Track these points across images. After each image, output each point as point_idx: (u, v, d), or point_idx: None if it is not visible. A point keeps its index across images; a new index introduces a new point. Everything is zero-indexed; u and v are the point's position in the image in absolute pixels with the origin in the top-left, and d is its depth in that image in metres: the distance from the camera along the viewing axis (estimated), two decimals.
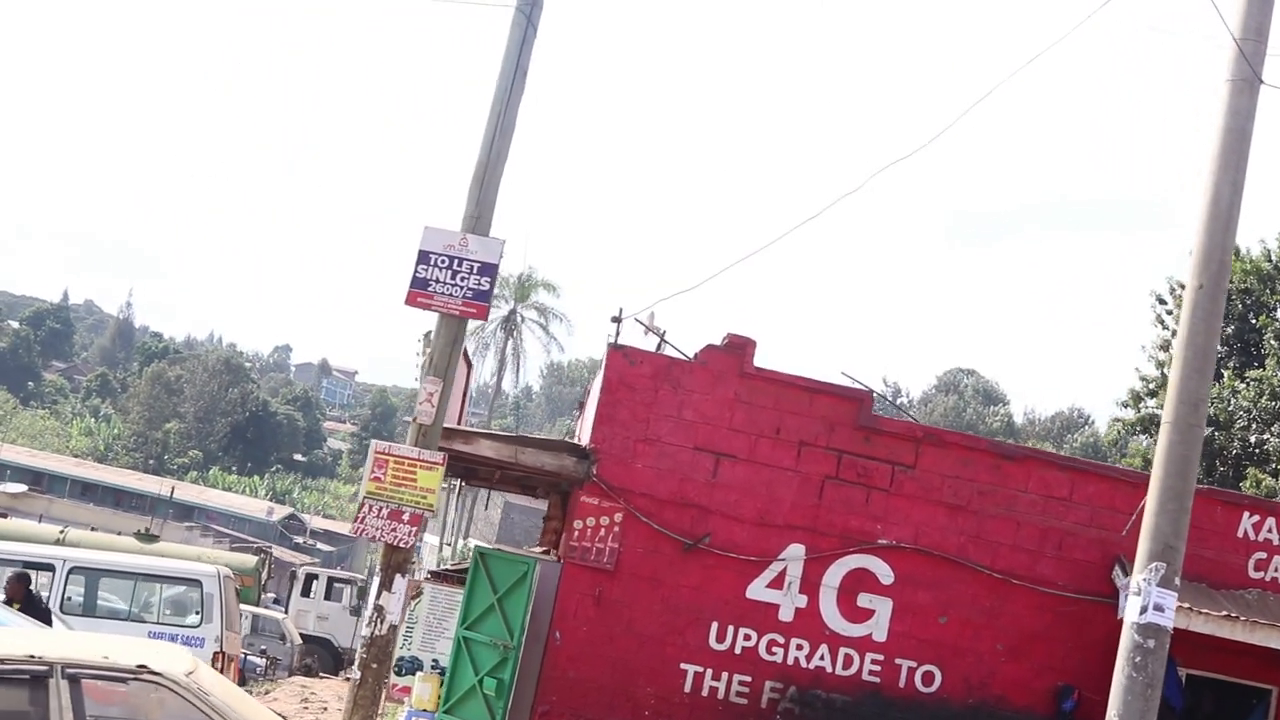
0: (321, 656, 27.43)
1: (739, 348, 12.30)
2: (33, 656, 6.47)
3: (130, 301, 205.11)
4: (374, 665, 8.46)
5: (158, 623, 15.48)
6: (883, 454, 12.27)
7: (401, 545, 8.52)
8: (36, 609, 11.87)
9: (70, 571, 14.96)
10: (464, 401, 14.38)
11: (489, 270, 8.58)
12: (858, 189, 11.57)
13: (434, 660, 14.75)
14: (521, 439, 11.97)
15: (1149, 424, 27.31)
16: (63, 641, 7.18)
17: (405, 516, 8.49)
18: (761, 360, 12.35)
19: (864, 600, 12.15)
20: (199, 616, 15.17)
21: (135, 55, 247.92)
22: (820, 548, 12.13)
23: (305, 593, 28.55)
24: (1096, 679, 12.05)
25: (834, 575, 12.14)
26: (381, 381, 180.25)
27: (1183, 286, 27.33)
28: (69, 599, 15.03)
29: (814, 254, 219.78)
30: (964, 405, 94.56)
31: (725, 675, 12.04)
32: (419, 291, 8.67)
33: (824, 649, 12.10)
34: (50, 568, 15.09)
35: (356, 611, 29.16)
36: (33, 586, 13.18)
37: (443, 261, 8.62)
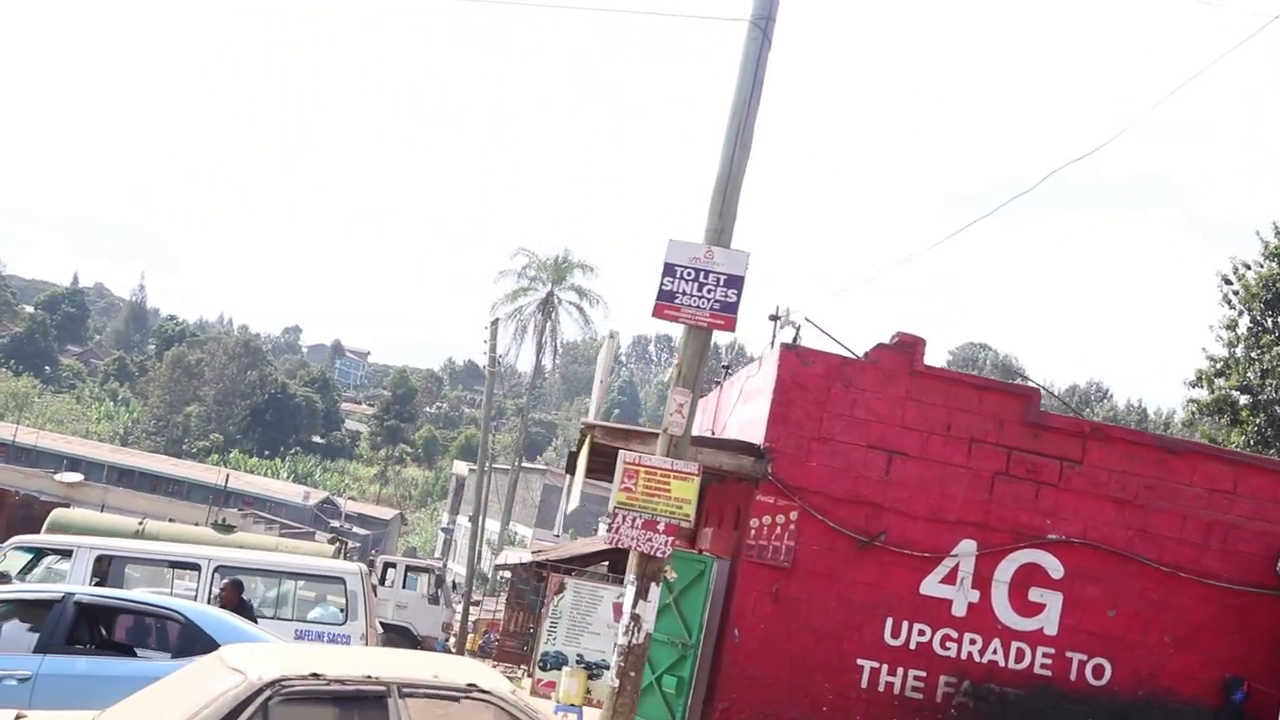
0: (401, 645, 27.57)
1: (909, 346, 12.42)
2: (370, 677, 6.60)
3: (143, 285, 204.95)
4: (631, 674, 8.61)
5: (303, 621, 15.62)
6: (1051, 450, 12.41)
7: (658, 554, 8.66)
8: (248, 616, 11.99)
9: (216, 571, 15.06)
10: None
11: (735, 282, 8.69)
12: (1031, 189, 11.66)
13: (579, 655, 14.91)
14: (699, 439, 12.09)
15: (1223, 405, 27.44)
16: (393, 660, 7.32)
17: (660, 526, 8.62)
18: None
19: (1035, 595, 12.31)
20: (344, 614, 15.29)
21: (136, 37, 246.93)
22: (991, 543, 12.29)
23: (383, 581, 28.69)
24: (1264, 670, 12.27)
25: (1005, 570, 12.30)
26: (393, 361, 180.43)
27: (1247, 267, 27.52)
28: (215, 599, 15.11)
29: (801, 238, 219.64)
30: None
31: (901, 670, 12.21)
32: (665, 304, 8.78)
33: (996, 643, 12.27)
34: (196, 568, 15.19)
35: (435, 599, 29.34)
36: (244, 594, 13.31)
37: (688, 274, 8.73)
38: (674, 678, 12.22)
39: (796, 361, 12.31)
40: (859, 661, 12.19)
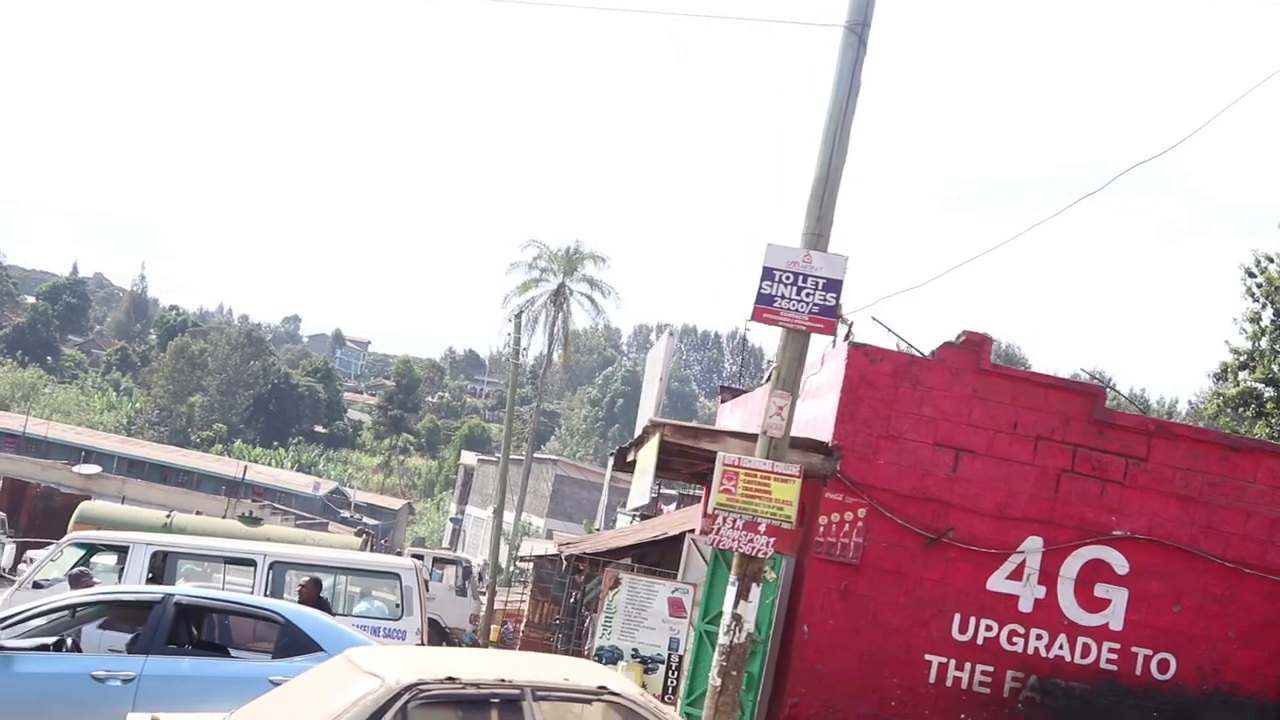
0: (430, 636, 27.63)
1: (976, 345, 12.50)
2: (504, 680, 6.70)
3: (144, 275, 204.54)
4: (733, 673, 8.71)
5: (358, 616, 15.72)
6: (1116, 447, 12.49)
7: (759, 555, 8.75)
8: (326, 612, 12.06)
9: (271, 566, 15.13)
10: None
11: (834, 286, 8.77)
12: (1100, 190, 11.73)
13: (634, 650, 15.01)
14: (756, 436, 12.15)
15: (1248, 398, 27.56)
16: (523, 663, 7.41)
17: (761, 528, 8.71)
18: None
19: (1100, 590, 12.41)
20: (400, 609, 15.39)
21: (134, 26, 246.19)
22: (1057, 539, 12.38)
23: None
24: None
25: (1071, 566, 12.40)
26: (392, 351, 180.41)
27: (1270, 260, 27.63)
28: (271, 595, 15.19)
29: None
30: None
31: (968, 665, 12.31)
32: (764, 307, 8.86)
33: (1062, 638, 12.37)
34: (251, 563, 15.26)
35: (463, 591, 29.47)
36: (323, 592, 13.39)
37: (787, 278, 8.80)
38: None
39: (864, 360, 12.38)
40: (927, 657, 12.29)
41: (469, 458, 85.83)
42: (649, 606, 15.06)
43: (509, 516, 57.89)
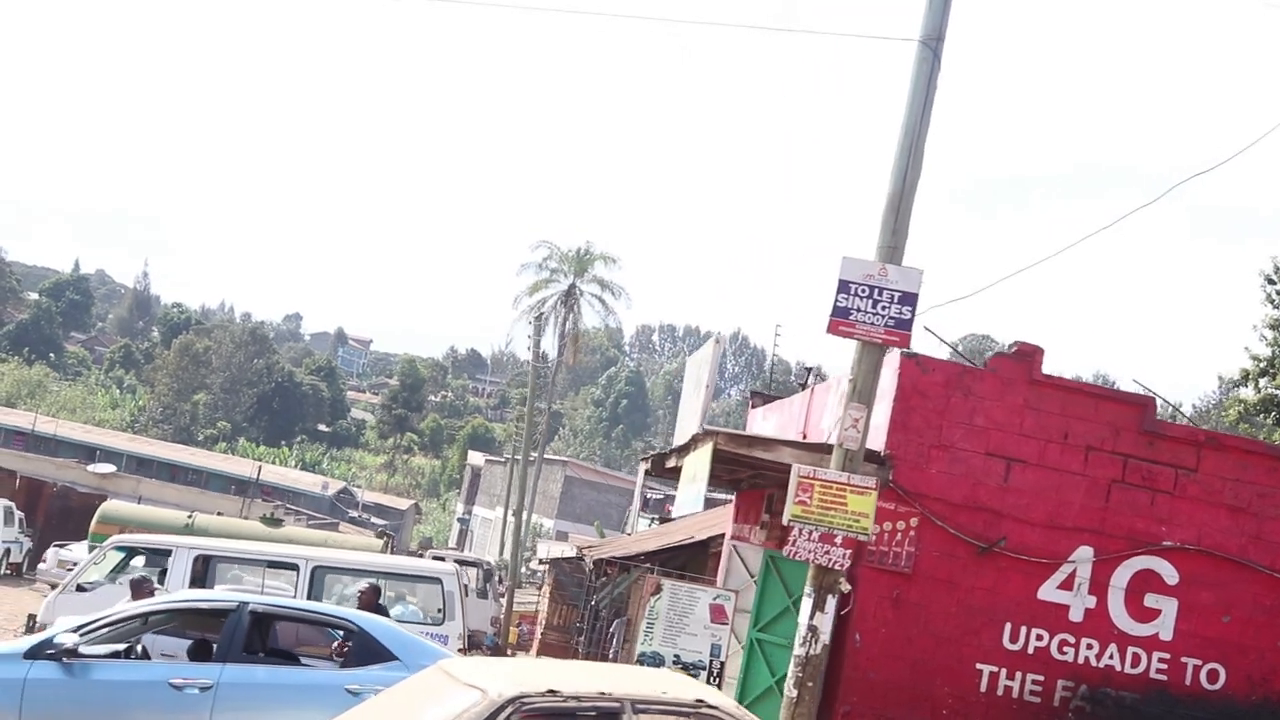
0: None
1: (1028, 355, 12.56)
2: (604, 693, 6.75)
3: (147, 272, 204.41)
4: (809, 684, 8.77)
5: (400, 621, 15.74)
6: (1165, 458, 12.55)
7: (835, 567, 8.82)
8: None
9: (313, 571, 15.18)
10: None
11: (910, 299, 8.84)
12: (1154, 201, 11.79)
13: (675, 656, 15.07)
14: (821, 447, 12.20)
15: (1269, 405, 27.62)
16: (621, 676, 7.45)
17: (838, 540, 8.77)
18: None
19: (1150, 600, 12.47)
20: (441, 614, 15.44)
21: (136, 23, 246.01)
22: (1108, 549, 12.44)
23: None
24: None
25: (1121, 576, 12.46)
26: (395, 350, 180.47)
27: None
28: (313, 599, 15.23)
29: (807, 229, 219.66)
30: None
31: (1019, 674, 12.37)
32: (840, 320, 8.92)
33: (1113, 648, 12.43)
34: (294, 567, 15.32)
35: (484, 594, 29.52)
36: (381, 599, 13.44)
37: (862, 291, 8.87)
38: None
39: (916, 369, 12.43)
40: (978, 666, 12.34)
41: (476, 458, 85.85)
42: (691, 613, 15.12)
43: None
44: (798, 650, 8.93)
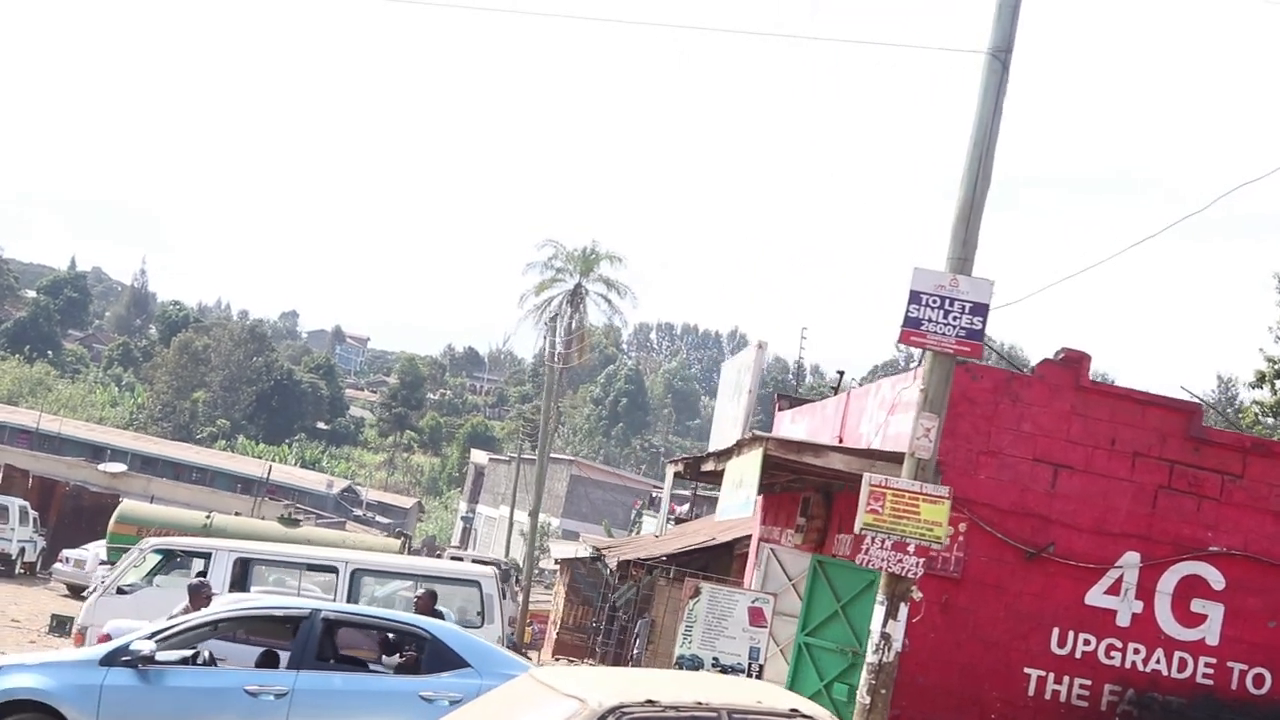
0: None
1: (1075, 362, 12.64)
2: (701, 703, 6.81)
3: (144, 269, 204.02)
4: (882, 691, 8.86)
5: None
6: (1212, 464, 12.64)
7: (908, 575, 8.91)
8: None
9: (352, 574, 15.22)
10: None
11: (981, 310, 8.92)
12: (1202, 210, 11.86)
13: (714, 659, 15.14)
14: (871, 453, 12.30)
15: None
16: (715, 686, 7.52)
17: (910, 548, 8.86)
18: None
19: (1197, 605, 12.55)
20: (481, 618, 15.49)
21: (132, 18, 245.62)
22: (1154, 555, 12.52)
23: None
24: None
25: (1168, 581, 12.54)
26: (391, 347, 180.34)
27: None
28: (349, 602, 15.27)
29: (805, 227, 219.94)
30: None
31: (1066, 679, 12.46)
32: (912, 330, 9.01)
33: (1159, 653, 12.52)
34: (334, 570, 15.36)
35: (501, 594, 29.55)
36: (437, 604, 13.48)
37: (933, 301, 8.95)
38: (844, 685, 12.47)
39: (966, 376, 12.48)
40: (1026, 670, 12.43)
41: (480, 456, 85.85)
42: (730, 616, 15.18)
43: (522, 516, 57.95)
44: (870, 658, 9.01)
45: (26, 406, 76.91)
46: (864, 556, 8.93)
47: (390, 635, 10.40)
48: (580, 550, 33.00)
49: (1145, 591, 12.52)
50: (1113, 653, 12.50)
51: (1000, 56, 9.00)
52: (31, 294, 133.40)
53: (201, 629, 9.67)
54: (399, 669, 9.83)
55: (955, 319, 8.97)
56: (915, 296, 8.97)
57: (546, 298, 56.01)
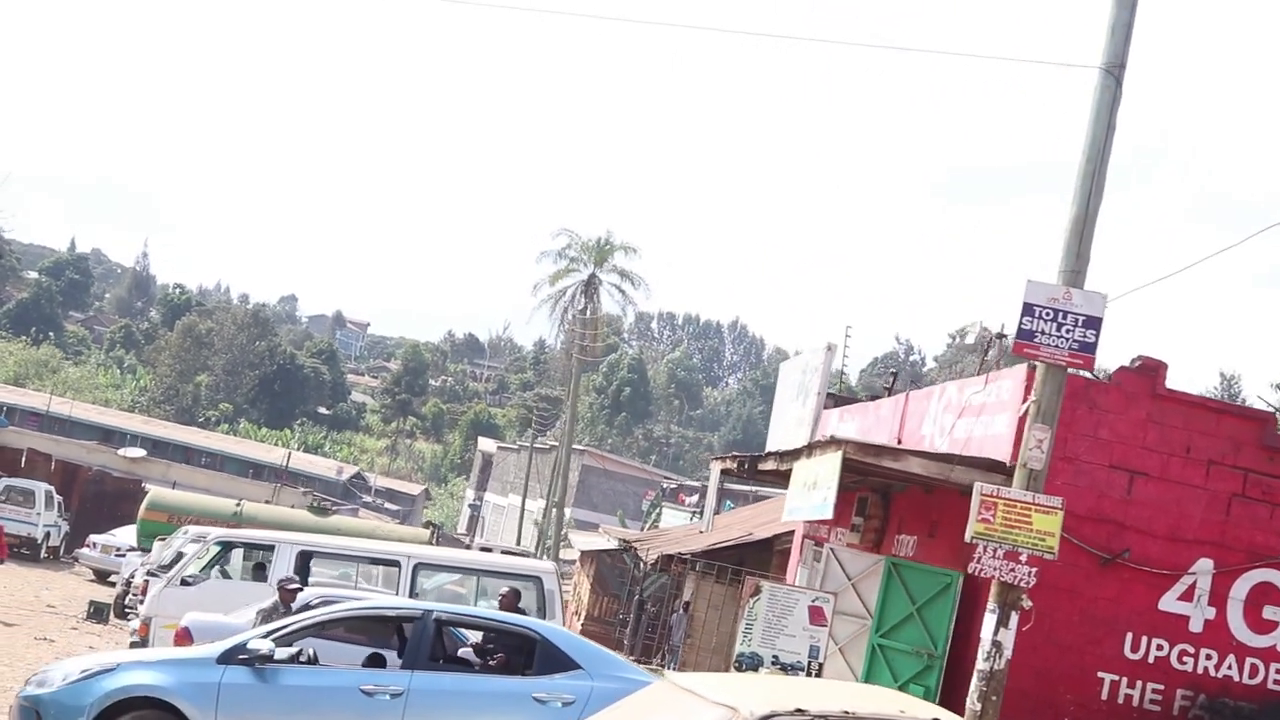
0: None
1: (1151, 370, 12.76)
2: (848, 713, 6.89)
3: (146, 252, 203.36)
4: (993, 698, 8.98)
5: None
6: None
7: (1020, 584, 9.03)
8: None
9: (416, 568, 15.29)
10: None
11: (1093, 323, 9.03)
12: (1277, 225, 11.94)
13: (774, 657, 15.24)
14: (950, 457, 12.41)
15: None
16: (857, 694, 7.61)
17: (1023, 558, 8.98)
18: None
19: (1269, 612, 12.71)
20: (542, 614, 15.56)
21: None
22: (1228, 562, 12.67)
23: None
24: None
25: (1240, 588, 12.69)
26: (391, 333, 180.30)
27: None
28: (414, 596, 15.35)
29: (806, 218, 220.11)
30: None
31: (1139, 684, 12.61)
32: (1025, 343, 9.12)
33: (1231, 659, 12.67)
34: (396, 564, 15.43)
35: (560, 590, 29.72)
36: (520, 603, 13.54)
37: (1047, 314, 9.06)
38: (920, 687, 12.57)
39: None
40: (1099, 674, 12.58)
41: (487, 444, 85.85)
42: (790, 614, 15.26)
43: (534, 505, 58.06)
44: (981, 665, 9.14)
45: (34, 388, 76.79)
46: (976, 565, 9.04)
47: (492, 636, 10.47)
48: (605, 542, 33.09)
49: (1218, 598, 12.66)
50: (1185, 658, 12.64)
51: (1114, 72, 9.10)
52: (33, 275, 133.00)
53: (312, 628, 9.75)
54: (507, 670, 9.91)
55: (1069, 332, 9.08)
56: (1028, 309, 9.07)
57: (561, 287, 56.21)
